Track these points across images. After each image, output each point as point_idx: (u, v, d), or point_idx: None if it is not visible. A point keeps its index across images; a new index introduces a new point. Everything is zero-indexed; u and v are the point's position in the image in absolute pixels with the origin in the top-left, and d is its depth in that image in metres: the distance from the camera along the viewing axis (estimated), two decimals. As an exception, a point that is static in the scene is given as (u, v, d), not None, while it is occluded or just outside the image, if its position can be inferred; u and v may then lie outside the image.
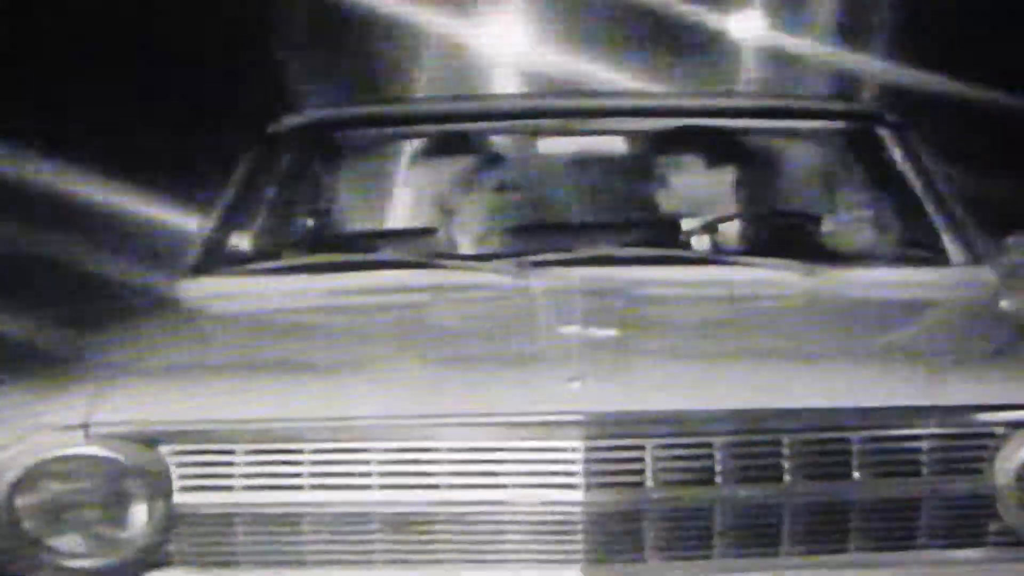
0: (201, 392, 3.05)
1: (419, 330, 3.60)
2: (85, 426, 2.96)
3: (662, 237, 4.12)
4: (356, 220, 4.57)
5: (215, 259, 4.08)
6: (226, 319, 3.83)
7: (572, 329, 3.26)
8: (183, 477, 2.95)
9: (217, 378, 3.11)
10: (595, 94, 4.65)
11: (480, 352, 3.24)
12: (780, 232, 4.21)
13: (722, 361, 3.12)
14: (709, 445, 2.88)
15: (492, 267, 3.82)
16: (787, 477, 2.88)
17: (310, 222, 4.52)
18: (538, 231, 4.39)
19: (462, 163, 4.27)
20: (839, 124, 4.49)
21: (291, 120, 4.42)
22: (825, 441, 2.90)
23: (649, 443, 2.87)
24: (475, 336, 3.45)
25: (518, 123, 4.61)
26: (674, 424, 2.89)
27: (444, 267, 3.88)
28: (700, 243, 4.04)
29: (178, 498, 2.95)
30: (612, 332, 3.27)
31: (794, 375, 3.01)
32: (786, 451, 2.88)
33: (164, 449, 2.96)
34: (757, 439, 2.89)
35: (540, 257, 3.82)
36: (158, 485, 2.95)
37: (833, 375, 3.01)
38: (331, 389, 3.02)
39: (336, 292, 3.82)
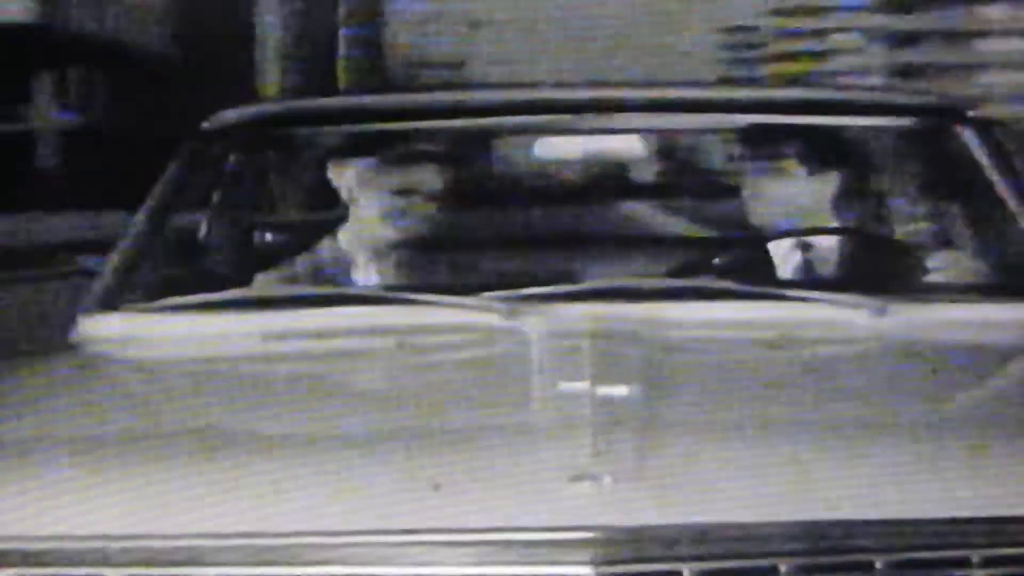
0: (59, 490, 2.10)
1: (372, 397, 2.60)
2: None
3: (696, 263, 3.23)
4: (309, 235, 3.54)
5: (128, 289, 3.05)
6: (119, 377, 2.82)
7: (578, 396, 2.33)
8: None
9: (84, 469, 2.15)
10: (609, 85, 3.58)
11: (452, 436, 2.28)
12: (838, 255, 3.27)
13: (789, 448, 2.18)
14: (773, 571, 2.03)
15: (476, 303, 2.82)
16: None
17: (252, 238, 3.55)
18: (529, 252, 3.42)
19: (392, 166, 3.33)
20: (908, 121, 3.46)
21: (230, 115, 3.37)
22: (934, 564, 2.04)
23: (688, 569, 2.02)
24: (445, 408, 2.45)
25: (504, 120, 3.56)
26: (724, 542, 2.04)
27: (414, 303, 2.87)
28: (737, 269, 3.10)
29: None
30: (634, 401, 2.33)
31: (889, 469, 2.12)
32: None
33: None
34: (839, 562, 2.04)
35: (539, 290, 2.84)
36: None
37: (941, 470, 2.13)
38: (247, 490, 2.09)
39: (274, 337, 2.82)
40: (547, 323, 2.70)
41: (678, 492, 2.05)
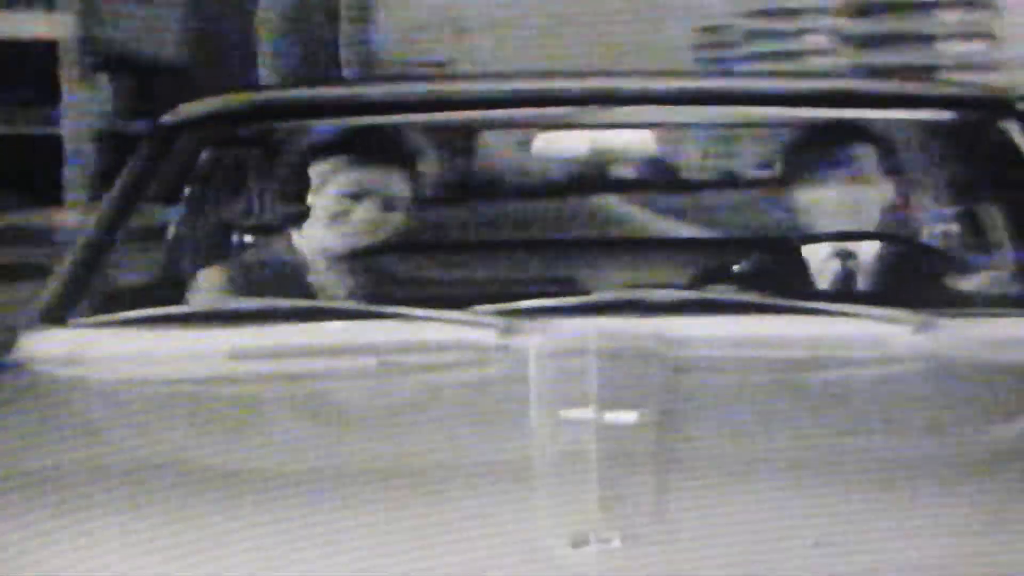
0: None
1: (347, 429, 2.15)
2: None
3: (716, 271, 2.82)
4: (276, 240, 3.08)
5: (80, 300, 2.56)
6: (61, 401, 2.34)
7: (582, 427, 1.93)
8: None
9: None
10: (616, 75, 3.10)
11: (435, 480, 1.87)
12: (876, 264, 2.82)
13: (827, 497, 1.81)
14: None
15: (467, 318, 2.37)
16: None
17: (227, 241, 3.10)
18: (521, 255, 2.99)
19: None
20: (950, 115, 2.94)
21: (193, 108, 2.90)
22: None
23: None
24: (430, 443, 2.01)
25: (492, 114, 3.09)
26: None
27: (398, 317, 2.41)
28: (762, 279, 2.67)
29: None
30: (646, 434, 1.92)
31: (951, 526, 1.76)
32: None
33: None
34: None
35: (538, 303, 2.39)
36: None
37: (1004, 525, 1.76)
38: (198, 536, 1.74)
39: (242, 356, 2.36)
40: (547, 341, 2.26)
41: (700, 554, 1.68)
